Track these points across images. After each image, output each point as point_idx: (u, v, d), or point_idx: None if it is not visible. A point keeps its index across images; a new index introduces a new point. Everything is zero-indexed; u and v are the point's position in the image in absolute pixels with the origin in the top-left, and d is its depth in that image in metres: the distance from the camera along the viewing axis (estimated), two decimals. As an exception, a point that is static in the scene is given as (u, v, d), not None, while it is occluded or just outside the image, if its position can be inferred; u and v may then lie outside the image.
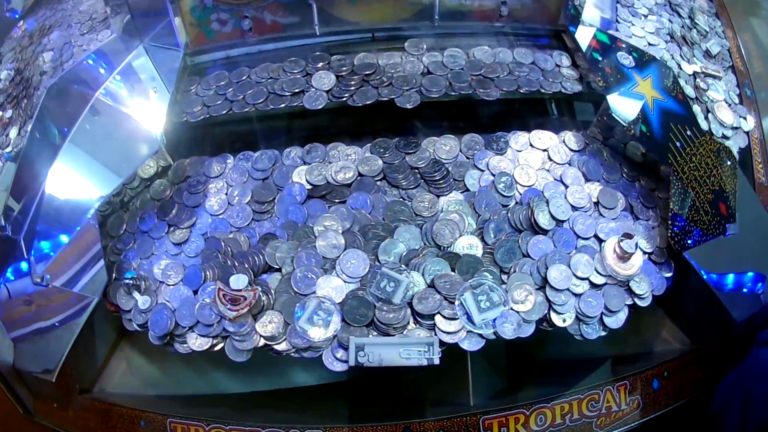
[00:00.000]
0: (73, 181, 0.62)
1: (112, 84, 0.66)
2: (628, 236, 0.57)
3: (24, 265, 0.63)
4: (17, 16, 0.95)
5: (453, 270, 0.54)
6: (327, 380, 0.63)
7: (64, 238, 0.61)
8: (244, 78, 0.64)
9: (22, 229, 0.63)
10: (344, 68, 0.62)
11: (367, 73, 0.61)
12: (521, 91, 0.63)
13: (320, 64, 0.63)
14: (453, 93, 0.61)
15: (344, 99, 0.60)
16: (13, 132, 0.78)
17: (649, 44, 0.74)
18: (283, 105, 0.60)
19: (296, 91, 0.61)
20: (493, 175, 0.59)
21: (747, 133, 0.77)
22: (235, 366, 0.67)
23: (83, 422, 0.67)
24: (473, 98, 0.62)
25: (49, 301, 0.64)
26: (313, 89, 0.61)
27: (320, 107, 0.60)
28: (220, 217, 0.59)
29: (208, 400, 0.66)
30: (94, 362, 0.70)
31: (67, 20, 0.85)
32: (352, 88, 0.60)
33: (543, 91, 0.63)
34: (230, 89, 0.63)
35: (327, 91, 0.61)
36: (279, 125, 0.64)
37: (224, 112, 0.62)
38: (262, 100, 0.61)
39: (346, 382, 0.62)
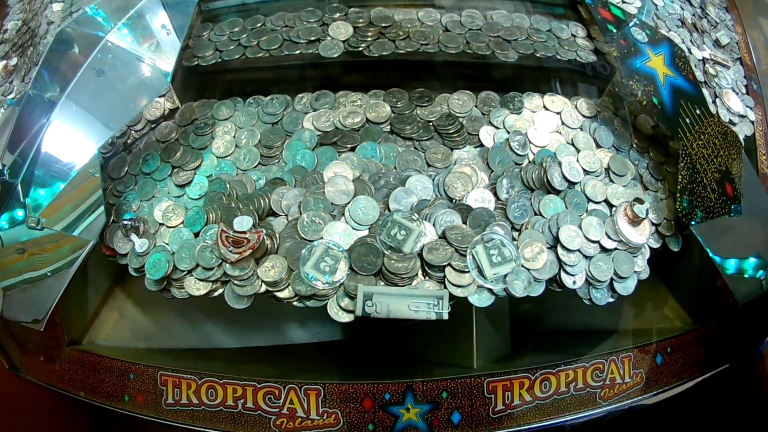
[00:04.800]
0: (77, 124, 0.59)
1: (121, 28, 0.63)
2: (640, 201, 0.56)
3: (19, 213, 0.60)
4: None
5: (464, 222, 0.51)
6: (325, 338, 0.60)
7: (63, 183, 0.58)
8: (259, 25, 0.62)
9: (20, 172, 0.60)
10: (361, 20, 0.60)
11: (384, 25, 0.60)
12: (537, 55, 0.61)
13: (337, 15, 0.61)
14: (470, 51, 0.59)
15: (360, 49, 0.58)
16: (17, 79, 0.75)
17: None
18: (298, 52, 0.58)
19: (312, 39, 0.59)
20: (508, 133, 0.57)
21: (753, 122, 0.76)
22: (230, 320, 0.65)
23: (69, 376, 0.63)
24: (491, 60, 0.60)
25: (42, 250, 0.61)
26: (329, 38, 0.59)
27: (336, 56, 0.58)
28: (227, 159, 0.56)
29: (202, 354, 0.62)
30: (85, 312, 0.66)
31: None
32: (369, 38, 0.58)
33: (559, 57, 0.62)
34: (244, 35, 0.61)
35: (343, 41, 0.59)
36: (290, 75, 0.62)
37: (237, 57, 0.60)
38: (276, 47, 0.59)
39: (347, 340, 0.59)
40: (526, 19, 0.65)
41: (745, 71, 0.82)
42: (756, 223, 0.68)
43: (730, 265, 0.66)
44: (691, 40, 0.78)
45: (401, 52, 0.57)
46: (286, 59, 0.59)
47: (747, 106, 0.77)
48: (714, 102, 0.73)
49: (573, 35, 0.66)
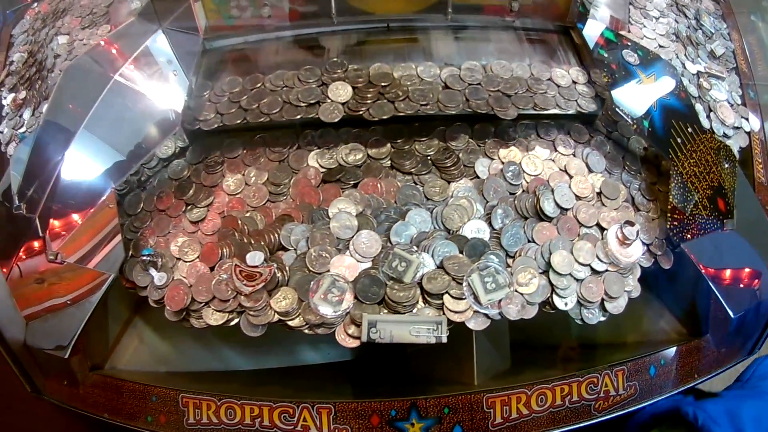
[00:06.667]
0: (90, 161, 0.66)
1: (130, 66, 0.69)
2: (630, 224, 0.62)
3: (36, 244, 0.67)
4: (29, 0, 0.99)
5: (461, 252, 0.58)
6: (335, 359, 0.67)
7: (80, 218, 0.65)
8: (258, 85, 0.65)
9: (37, 207, 0.67)
10: (360, 79, 0.63)
11: (383, 84, 0.63)
12: (537, 109, 0.65)
13: (336, 74, 0.64)
14: (469, 110, 0.62)
15: (360, 113, 0.61)
16: (27, 113, 0.82)
17: (660, 46, 0.79)
18: (299, 116, 0.62)
19: (312, 102, 0.62)
20: (502, 163, 0.63)
21: (748, 133, 0.82)
22: (246, 344, 0.72)
23: (93, 399, 0.70)
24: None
25: (61, 280, 0.68)
26: (329, 101, 0.62)
27: (336, 120, 0.61)
28: (237, 196, 0.63)
29: (220, 376, 0.70)
30: (106, 339, 0.74)
31: (73, 10, 0.89)
32: (369, 101, 0.61)
33: (559, 108, 0.66)
34: (244, 97, 0.64)
35: (343, 104, 0.62)
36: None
37: (238, 121, 0.63)
38: (277, 111, 0.62)
39: (356, 361, 0.66)
40: (526, 68, 0.68)
41: (741, 80, 0.88)
42: (751, 234, 0.73)
43: (726, 275, 0.72)
44: (685, 54, 0.83)
45: (401, 114, 0.61)
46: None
47: (742, 117, 0.82)
48: (708, 116, 0.78)
49: (574, 82, 0.69)
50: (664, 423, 0.57)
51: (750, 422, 0.48)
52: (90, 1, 0.87)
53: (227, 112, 0.64)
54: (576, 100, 0.67)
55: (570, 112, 0.66)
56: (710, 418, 0.50)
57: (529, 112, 0.65)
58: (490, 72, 0.66)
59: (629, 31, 0.76)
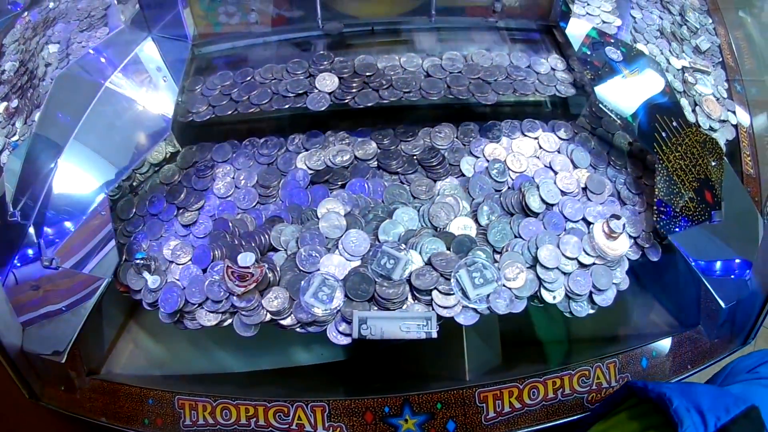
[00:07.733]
0: (83, 168, 0.68)
1: (121, 73, 0.72)
2: (617, 217, 0.64)
3: (30, 252, 0.69)
4: (19, 9, 1.02)
5: (448, 249, 0.60)
6: (328, 359, 0.69)
7: (73, 224, 0.67)
8: (248, 78, 0.68)
9: (31, 215, 0.69)
10: (346, 70, 0.66)
11: (368, 74, 0.66)
12: (517, 94, 0.68)
13: (322, 66, 0.67)
14: (451, 96, 0.66)
15: (346, 101, 0.65)
16: (19, 121, 0.84)
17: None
18: (287, 106, 0.65)
19: (299, 92, 0.66)
20: (488, 161, 0.66)
21: (735, 126, 0.84)
22: (239, 346, 0.74)
23: (90, 403, 0.72)
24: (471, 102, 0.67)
25: (56, 286, 0.70)
26: (316, 91, 0.65)
27: (323, 109, 0.65)
28: (228, 199, 0.65)
29: (215, 379, 0.72)
30: (102, 344, 0.76)
31: (69, 14, 0.92)
32: (354, 90, 0.65)
33: (538, 94, 0.69)
34: (235, 90, 0.67)
35: (330, 93, 0.65)
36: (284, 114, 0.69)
37: (229, 112, 0.66)
38: (266, 101, 0.66)
39: (348, 361, 0.68)
40: (505, 57, 0.71)
41: (727, 74, 0.90)
42: (740, 225, 0.75)
43: (717, 267, 0.74)
44: (670, 50, 0.86)
45: (385, 102, 0.64)
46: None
47: (729, 110, 0.85)
48: (694, 111, 0.81)
49: (552, 69, 0.72)
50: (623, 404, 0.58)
51: (705, 397, 0.49)
52: (87, 4, 0.90)
53: (219, 104, 0.67)
54: (555, 86, 0.69)
55: (548, 94, 0.69)
56: (658, 386, 0.51)
57: (510, 98, 0.68)
58: (471, 61, 0.70)
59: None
